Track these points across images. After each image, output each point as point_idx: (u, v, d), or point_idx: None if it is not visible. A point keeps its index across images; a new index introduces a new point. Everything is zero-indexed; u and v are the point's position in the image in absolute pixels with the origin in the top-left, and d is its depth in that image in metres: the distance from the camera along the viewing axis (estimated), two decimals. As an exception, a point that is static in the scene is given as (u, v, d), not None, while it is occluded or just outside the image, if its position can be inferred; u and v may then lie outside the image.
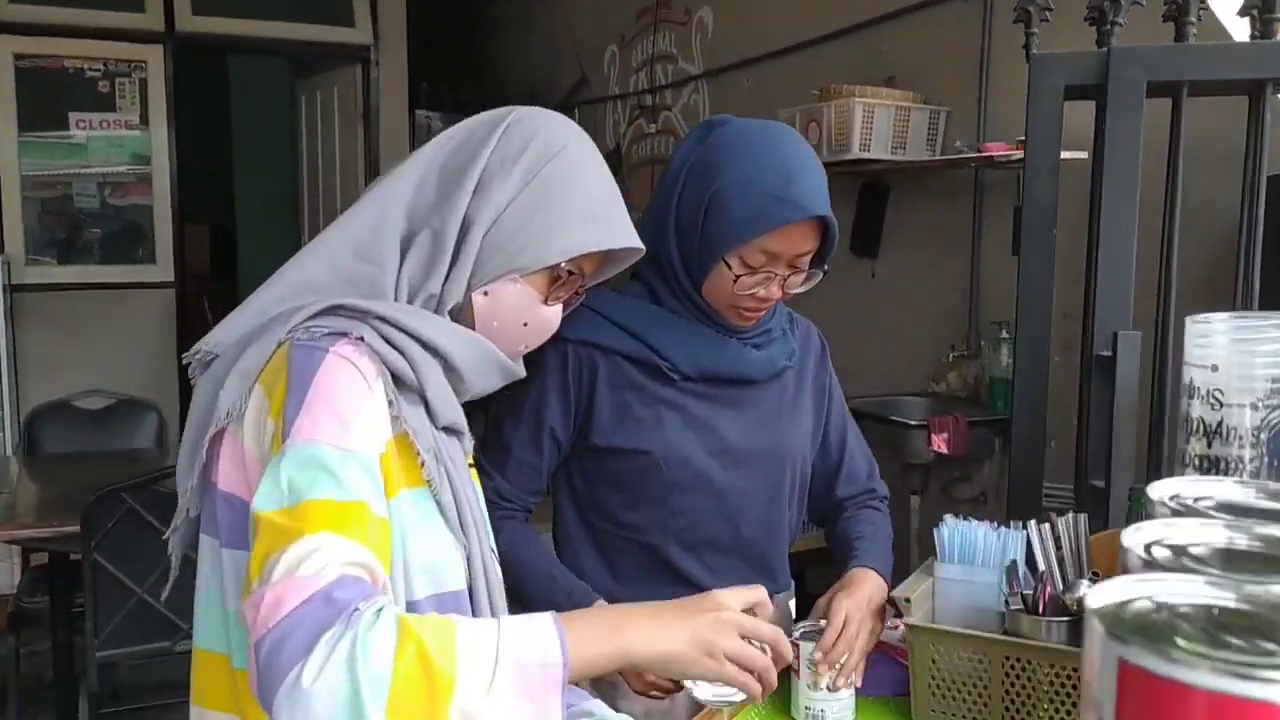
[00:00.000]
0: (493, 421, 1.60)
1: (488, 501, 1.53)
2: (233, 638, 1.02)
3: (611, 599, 1.59)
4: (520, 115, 1.17)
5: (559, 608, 1.43)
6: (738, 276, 1.46)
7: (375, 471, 0.98)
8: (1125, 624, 0.42)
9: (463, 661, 0.86)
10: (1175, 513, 0.60)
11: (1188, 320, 0.91)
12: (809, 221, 1.44)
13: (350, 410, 0.97)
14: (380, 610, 0.87)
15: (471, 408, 1.23)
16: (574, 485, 1.61)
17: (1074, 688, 1.41)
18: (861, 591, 1.52)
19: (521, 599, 1.52)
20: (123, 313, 5.67)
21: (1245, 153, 1.94)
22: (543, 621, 0.94)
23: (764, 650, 1.06)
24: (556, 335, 1.53)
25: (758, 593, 1.08)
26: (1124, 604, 0.44)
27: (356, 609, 0.86)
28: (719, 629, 1.01)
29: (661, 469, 1.53)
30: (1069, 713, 1.42)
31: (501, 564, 1.49)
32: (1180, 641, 0.41)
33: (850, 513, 1.71)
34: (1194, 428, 0.88)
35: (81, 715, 2.77)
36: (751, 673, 1.04)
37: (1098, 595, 0.44)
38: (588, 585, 1.53)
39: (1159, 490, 0.64)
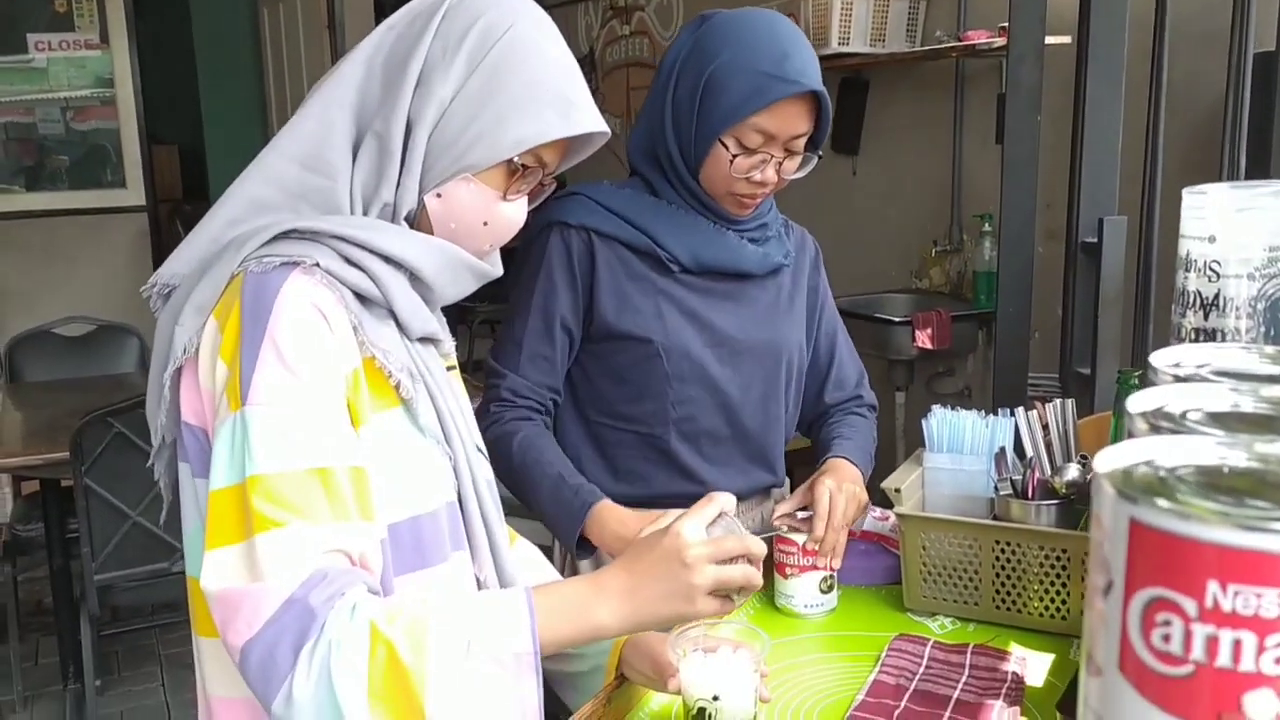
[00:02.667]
0: (504, 321, 1.60)
1: (501, 401, 1.53)
2: None
3: (611, 497, 1.61)
4: None
5: (569, 505, 1.45)
6: (734, 156, 1.47)
7: (340, 424, 0.96)
8: (1135, 484, 0.42)
9: (433, 659, 0.90)
10: (1178, 379, 0.60)
11: (1184, 192, 0.90)
12: (803, 102, 1.45)
13: (307, 363, 0.94)
14: (355, 608, 0.90)
15: (453, 322, 1.20)
16: (574, 381, 1.62)
17: (1063, 569, 1.43)
18: (839, 476, 1.55)
19: (531, 501, 1.54)
20: (96, 238, 5.59)
21: (1231, 29, 1.91)
22: (516, 609, 0.95)
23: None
24: (556, 221, 1.53)
25: (713, 504, 1.06)
26: (1133, 465, 0.43)
27: (332, 608, 0.89)
28: (689, 573, 1.00)
29: (662, 358, 1.54)
30: (1058, 593, 1.44)
31: (513, 467, 1.51)
32: (1190, 499, 0.41)
33: (836, 418, 1.73)
34: (1190, 301, 0.88)
35: (84, 637, 2.79)
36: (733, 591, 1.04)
37: (1107, 459, 0.44)
38: (594, 486, 1.53)
39: (1161, 359, 0.63)
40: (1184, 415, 0.50)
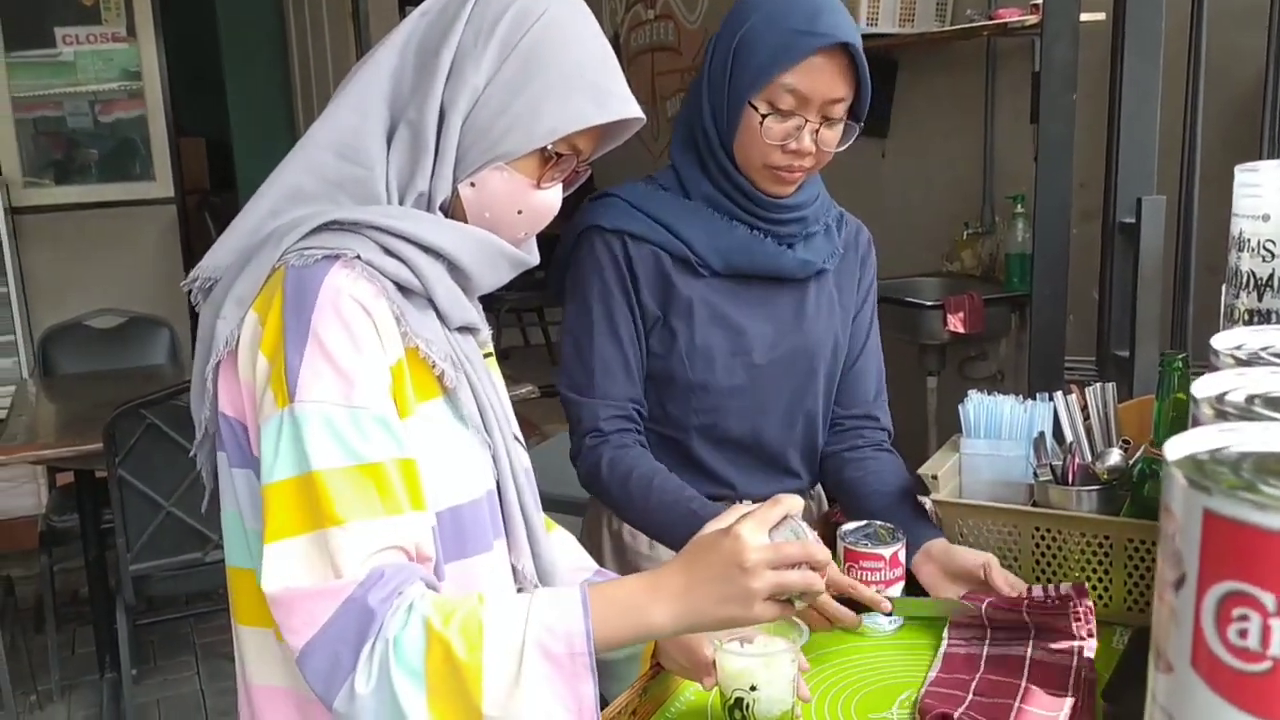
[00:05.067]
0: (565, 342, 1.52)
1: (589, 432, 1.47)
2: (255, 554, 1.01)
3: None
4: None
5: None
6: (764, 118, 1.39)
7: (387, 417, 0.95)
8: (1208, 473, 0.40)
9: (489, 658, 0.90)
10: (1240, 363, 0.58)
11: (1237, 169, 0.87)
12: (837, 61, 1.38)
13: (352, 359, 0.94)
14: (411, 607, 0.91)
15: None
16: None
17: (1105, 555, 1.41)
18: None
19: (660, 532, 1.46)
20: (126, 231, 5.63)
21: (1270, 2, 1.87)
22: (571, 608, 0.93)
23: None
24: (593, 225, 1.48)
25: (779, 507, 1.01)
26: (1204, 453, 0.42)
27: (390, 607, 0.90)
28: (748, 578, 0.95)
29: (685, 365, 1.50)
30: (1100, 580, 1.42)
31: (636, 509, 1.44)
32: (1267, 488, 0.39)
33: (865, 456, 1.61)
34: (1243, 281, 0.85)
35: (120, 627, 2.82)
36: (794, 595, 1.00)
37: (1177, 446, 0.42)
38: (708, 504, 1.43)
39: (1223, 342, 0.61)
40: (1251, 400, 0.48)
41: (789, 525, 1.01)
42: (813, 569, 0.98)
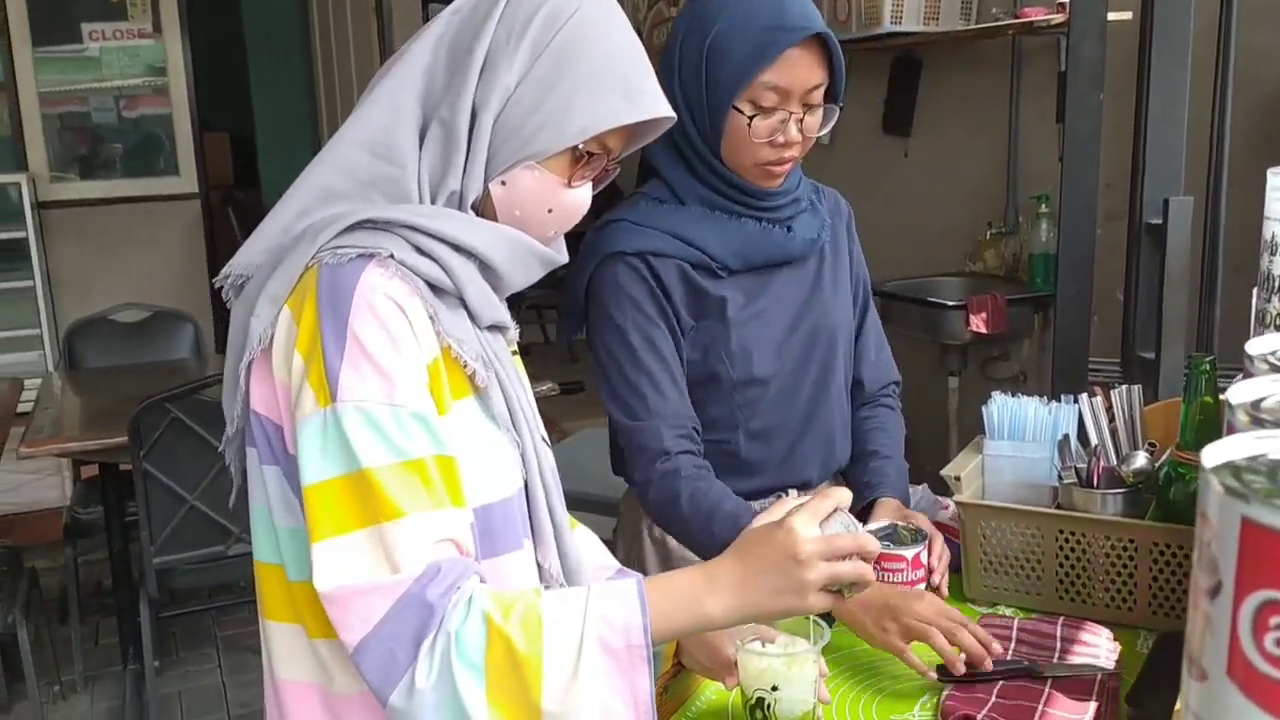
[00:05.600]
0: (602, 376, 1.50)
1: (659, 456, 1.45)
2: (284, 551, 1.02)
3: None
4: None
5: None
6: (751, 119, 1.41)
7: (427, 415, 0.96)
8: (1246, 481, 0.40)
9: (549, 652, 0.91)
10: (1275, 369, 0.57)
11: (1269, 172, 0.87)
12: (812, 50, 1.39)
13: (392, 358, 0.95)
14: (470, 601, 0.92)
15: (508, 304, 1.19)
16: None
17: (1130, 559, 1.40)
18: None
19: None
20: (150, 226, 5.67)
21: (1303, 3, 1.85)
22: (628, 601, 0.94)
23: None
24: (614, 252, 1.48)
25: (829, 500, 1.02)
26: (1242, 461, 0.41)
27: (449, 602, 0.91)
28: (802, 569, 0.97)
29: (726, 364, 1.50)
30: (1124, 583, 1.41)
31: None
32: (1306, 497, 0.39)
33: (865, 410, 1.67)
34: (1276, 286, 0.85)
35: (143, 619, 2.84)
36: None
37: (1214, 453, 0.42)
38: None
39: (1257, 347, 0.61)
40: (1288, 406, 0.48)
41: (839, 518, 1.02)
42: (864, 560, 1.00)
